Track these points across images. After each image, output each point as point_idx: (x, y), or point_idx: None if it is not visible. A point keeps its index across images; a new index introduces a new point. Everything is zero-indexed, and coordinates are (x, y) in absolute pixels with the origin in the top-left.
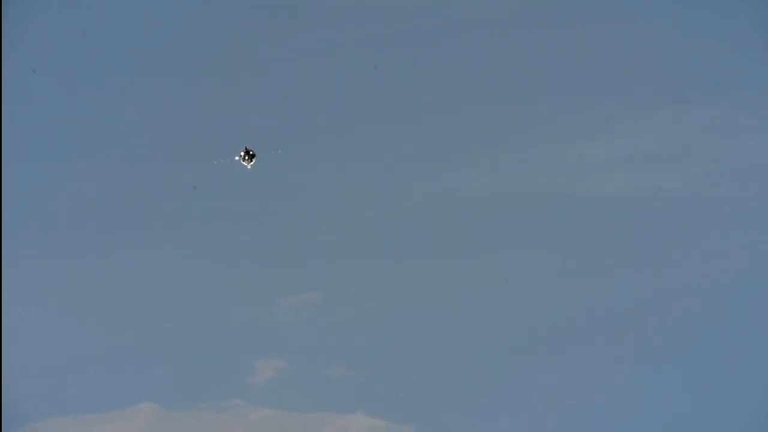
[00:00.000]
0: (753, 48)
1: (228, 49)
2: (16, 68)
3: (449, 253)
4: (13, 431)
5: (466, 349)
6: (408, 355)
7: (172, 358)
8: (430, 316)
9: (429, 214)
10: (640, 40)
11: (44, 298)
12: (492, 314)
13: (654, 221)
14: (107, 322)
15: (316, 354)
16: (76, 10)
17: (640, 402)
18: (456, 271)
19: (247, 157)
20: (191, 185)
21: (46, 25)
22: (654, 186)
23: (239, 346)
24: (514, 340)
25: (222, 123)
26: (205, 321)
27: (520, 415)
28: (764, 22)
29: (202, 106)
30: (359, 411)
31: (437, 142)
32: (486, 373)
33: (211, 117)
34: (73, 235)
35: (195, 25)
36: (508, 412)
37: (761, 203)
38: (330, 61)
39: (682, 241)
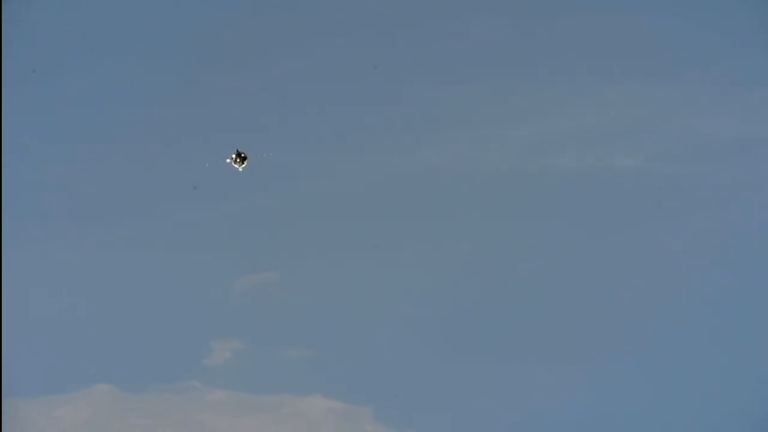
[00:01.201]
0: (711, 24)
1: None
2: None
3: (406, 233)
4: None
5: (426, 332)
6: (368, 337)
7: (128, 339)
8: (390, 297)
9: (383, 194)
10: (595, 17)
11: None
12: (452, 296)
13: (609, 199)
14: (61, 302)
15: (273, 335)
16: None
17: (592, 387)
18: (415, 251)
19: (238, 160)
20: (151, 165)
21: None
22: (610, 163)
23: (195, 326)
24: (473, 322)
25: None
26: (160, 301)
27: (480, 398)
28: None
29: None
30: (318, 393)
31: (388, 121)
32: (446, 356)
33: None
34: (28, 218)
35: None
36: (466, 395)
37: (719, 181)
38: (284, 38)
39: (638, 220)
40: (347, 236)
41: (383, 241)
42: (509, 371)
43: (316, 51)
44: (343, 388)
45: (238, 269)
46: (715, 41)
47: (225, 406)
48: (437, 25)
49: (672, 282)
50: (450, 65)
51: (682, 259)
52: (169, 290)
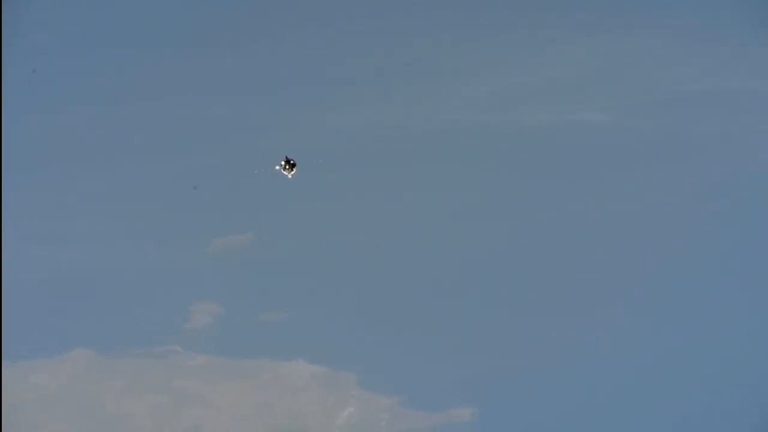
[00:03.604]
0: None
1: None
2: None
3: (380, 188)
4: None
5: (409, 289)
6: (351, 299)
7: (107, 304)
8: (371, 254)
9: (352, 150)
10: None
11: None
12: (431, 254)
13: (576, 154)
14: (38, 267)
15: (252, 297)
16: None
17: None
18: (390, 206)
19: (287, 167)
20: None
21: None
22: (575, 118)
23: (173, 289)
24: (450, 278)
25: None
26: (136, 263)
27: (470, 362)
28: None
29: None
30: (300, 358)
31: (352, 77)
32: (430, 314)
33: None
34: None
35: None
36: (454, 359)
37: (687, 134)
38: None
39: (605, 175)
40: (323, 193)
41: (362, 198)
42: (495, 331)
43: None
44: (325, 353)
45: (213, 231)
46: None
47: (206, 372)
48: None
49: (639, 234)
50: (414, 18)
51: (650, 211)
52: (145, 251)
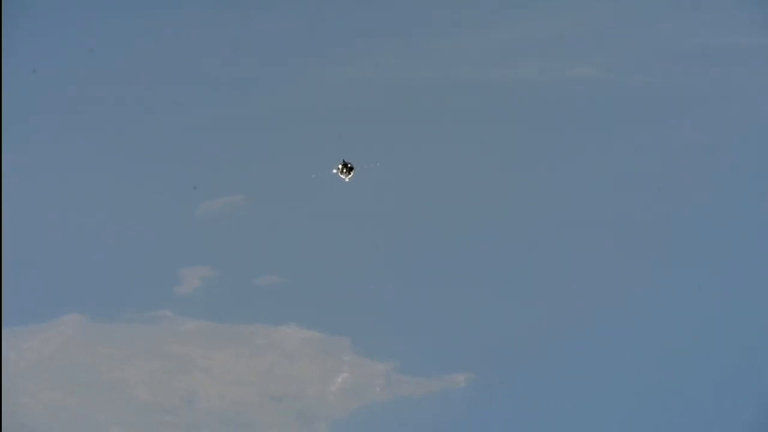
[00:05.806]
0: None
1: None
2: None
3: (369, 146)
4: None
5: (403, 253)
6: (344, 261)
7: (96, 268)
8: (366, 216)
9: (342, 104)
10: None
11: None
12: (419, 211)
13: (568, 109)
14: (28, 231)
15: (243, 261)
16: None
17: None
18: (380, 163)
19: (345, 170)
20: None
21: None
22: (568, 73)
23: (162, 253)
24: (451, 245)
25: None
26: (126, 227)
27: (462, 325)
28: None
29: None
30: (292, 322)
31: (344, 32)
32: (426, 279)
33: None
34: None
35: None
36: (448, 323)
37: (679, 91)
38: None
39: (597, 130)
40: (317, 154)
41: (353, 157)
42: (490, 295)
43: None
44: (318, 317)
45: (203, 192)
46: None
47: (197, 337)
48: None
49: (632, 189)
50: None
51: (644, 166)
52: (134, 216)
